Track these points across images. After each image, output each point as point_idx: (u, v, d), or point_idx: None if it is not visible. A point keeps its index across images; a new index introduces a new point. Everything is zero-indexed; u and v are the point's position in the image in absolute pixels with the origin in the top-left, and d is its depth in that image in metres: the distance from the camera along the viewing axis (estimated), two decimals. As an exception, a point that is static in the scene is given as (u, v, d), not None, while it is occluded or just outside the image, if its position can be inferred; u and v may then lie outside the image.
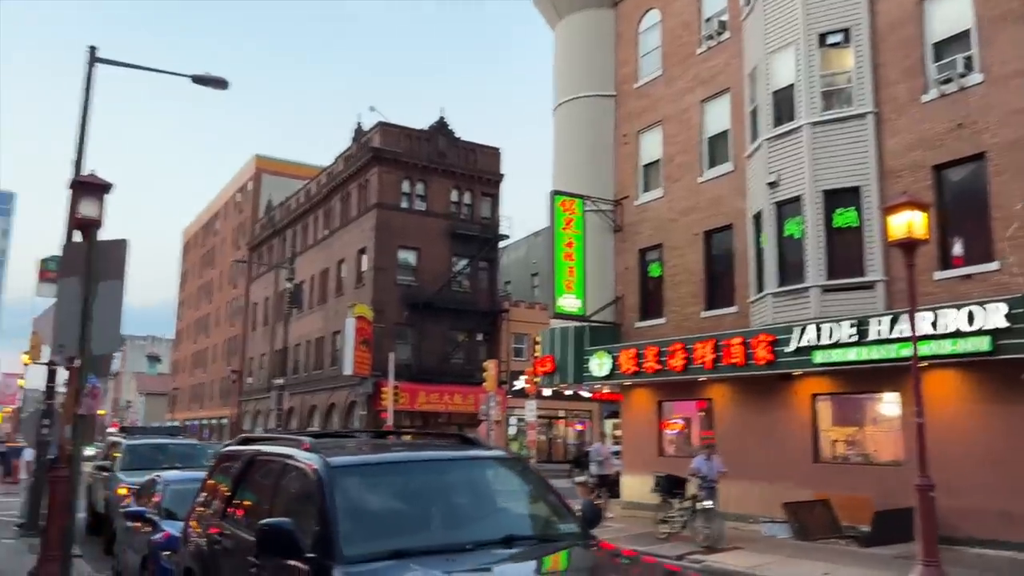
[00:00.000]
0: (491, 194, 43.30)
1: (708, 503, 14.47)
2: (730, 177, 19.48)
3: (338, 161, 45.87)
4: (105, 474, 15.97)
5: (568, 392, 40.95)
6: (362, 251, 41.02)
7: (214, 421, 64.79)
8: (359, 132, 44.33)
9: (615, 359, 20.56)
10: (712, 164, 20.27)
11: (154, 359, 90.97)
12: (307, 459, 5.24)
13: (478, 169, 42.72)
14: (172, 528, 9.15)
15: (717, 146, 20.26)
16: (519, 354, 42.71)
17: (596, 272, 22.12)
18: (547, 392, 39.17)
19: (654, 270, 21.64)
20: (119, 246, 7.23)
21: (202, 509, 6.99)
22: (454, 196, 42.24)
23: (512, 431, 41.62)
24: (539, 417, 37.13)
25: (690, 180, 20.64)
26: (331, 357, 43.12)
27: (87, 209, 11.12)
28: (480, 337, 41.83)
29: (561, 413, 43.71)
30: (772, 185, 17.08)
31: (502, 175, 43.60)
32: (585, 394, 42.82)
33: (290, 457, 5.53)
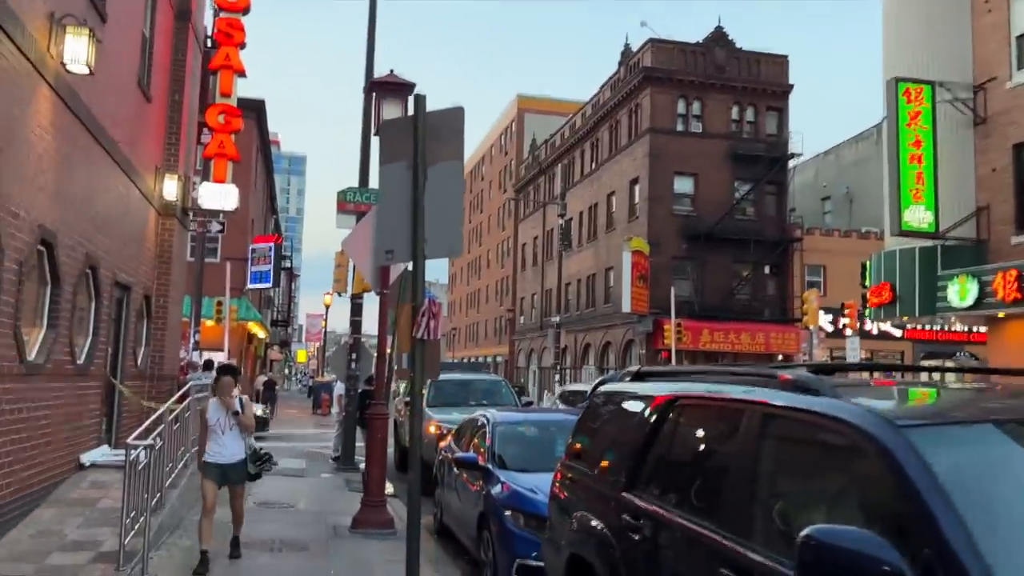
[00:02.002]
0: (777, 108, 38.49)
1: None
2: None
3: (604, 89, 43.51)
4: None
5: (874, 331, 35.91)
6: (634, 181, 38.57)
7: (489, 359, 67.01)
8: (627, 54, 41.50)
9: (985, 284, 16.31)
10: None
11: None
12: (825, 409, 2.91)
13: (762, 81, 38.07)
14: (508, 478, 7.54)
15: None
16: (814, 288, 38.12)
17: (949, 178, 17.71)
18: (849, 331, 34.55)
19: (1038, 169, 16.80)
20: (454, 117, 5.37)
21: (577, 471, 5.04)
22: (734, 114, 38.09)
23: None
24: (836, 360, 32.76)
25: (1098, 44, 15.48)
26: (604, 294, 41.57)
27: (391, 112, 9.73)
28: (767, 270, 37.80)
29: (864, 354, 38.54)
30: None
31: (791, 85, 38.56)
32: (895, 332, 37.42)
33: (771, 405, 3.25)
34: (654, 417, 4.15)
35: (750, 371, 3.70)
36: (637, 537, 3.86)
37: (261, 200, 43.50)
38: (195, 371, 14.46)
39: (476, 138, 78.75)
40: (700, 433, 3.85)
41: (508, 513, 6.94)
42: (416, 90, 10.48)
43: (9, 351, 7.04)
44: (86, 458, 9.54)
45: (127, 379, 11.65)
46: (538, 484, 7.25)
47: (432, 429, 13.54)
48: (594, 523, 4.40)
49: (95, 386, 10.07)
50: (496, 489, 7.41)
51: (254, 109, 33.56)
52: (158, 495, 8.21)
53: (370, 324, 14.51)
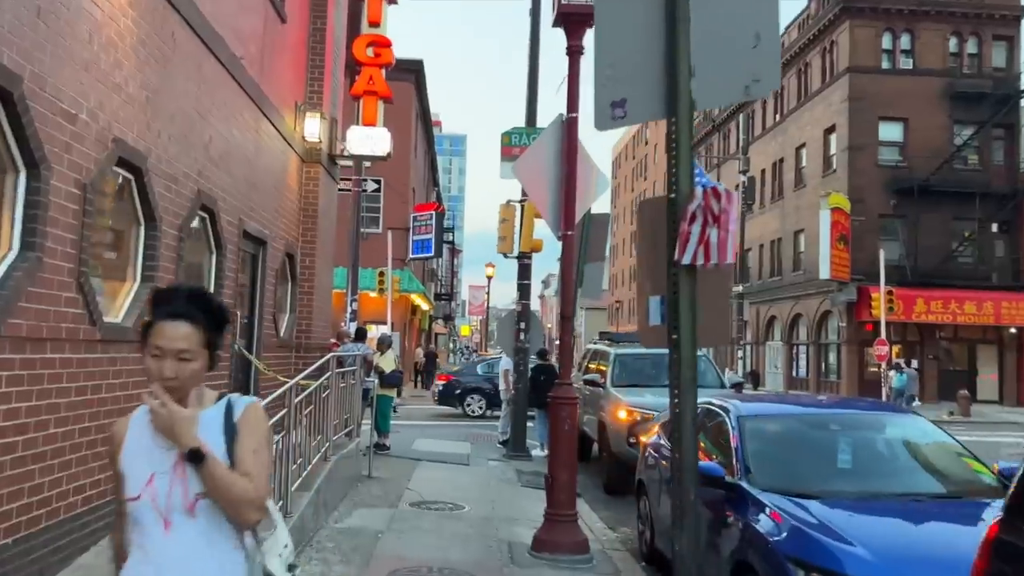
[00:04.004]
0: (1007, 36, 32.35)
1: None
2: None
3: (791, 28, 38.70)
4: (592, 390, 12.87)
5: None
6: (830, 130, 33.84)
7: (656, 334, 63.58)
8: (818, -15, 36.53)
9: None
10: None
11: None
12: None
13: (987, 5, 32.11)
14: (780, 508, 4.80)
15: None
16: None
17: None
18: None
19: None
20: None
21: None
22: (953, 46, 32.36)
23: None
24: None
25: None
26: (793, 260, 37.16)
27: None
28: (995, 228, 32.04)
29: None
30: None
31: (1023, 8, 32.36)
32: None
33: None
34: None
35: None
36: None
37: (422, 170, 42.44)
38: (347, 341, 12.67)
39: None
40: None
41: (797, 570, 4.21)
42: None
43: (71, 308, 5.11)
44: (207, 446, 7.72)
45: (266, 350, 9.89)
46: (832, 519, 4.49)
47: (622, 415, 10.98)
48: None
49: (220, 358, 8.23)
50: (764, 524, 4.67)
51: (412, 71, 32.06)
52: (280, 502, 6.15)
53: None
